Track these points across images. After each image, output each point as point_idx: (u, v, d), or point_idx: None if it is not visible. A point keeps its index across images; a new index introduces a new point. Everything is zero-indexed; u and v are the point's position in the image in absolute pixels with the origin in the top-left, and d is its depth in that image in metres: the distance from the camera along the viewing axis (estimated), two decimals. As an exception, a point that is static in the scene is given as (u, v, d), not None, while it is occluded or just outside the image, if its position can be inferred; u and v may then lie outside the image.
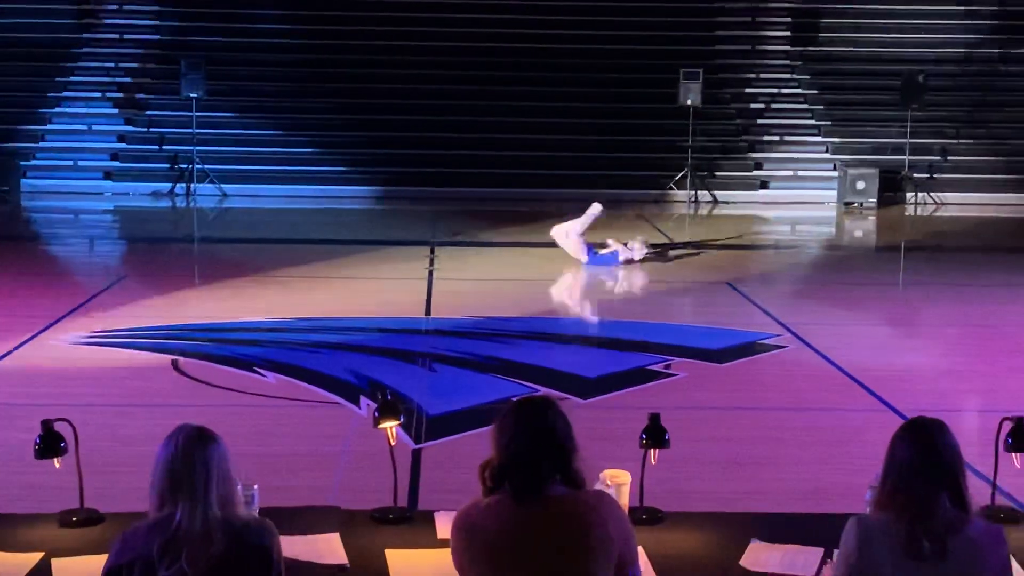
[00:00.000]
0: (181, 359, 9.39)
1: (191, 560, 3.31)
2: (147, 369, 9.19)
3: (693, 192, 21.42)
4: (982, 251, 16.99)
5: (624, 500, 4.28)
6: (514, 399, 3.59)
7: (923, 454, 3.46)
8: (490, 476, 3.46)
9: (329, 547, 4.11)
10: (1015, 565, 3.82)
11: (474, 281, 13.46)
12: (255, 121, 22.50)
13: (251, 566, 3.37)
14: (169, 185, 21.31)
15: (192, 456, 3.37)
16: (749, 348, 10.27)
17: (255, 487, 4.13)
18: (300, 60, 23.95)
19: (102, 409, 8.01)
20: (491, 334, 10.58)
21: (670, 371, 9.32)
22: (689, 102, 21.56)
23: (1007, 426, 4.50)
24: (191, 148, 21.16)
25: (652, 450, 4.54)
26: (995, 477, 4.60)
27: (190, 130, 21.17)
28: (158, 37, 24.35)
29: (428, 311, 11.61)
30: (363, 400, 8.26)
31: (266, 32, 24.34)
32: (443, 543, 3.53)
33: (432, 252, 15.31)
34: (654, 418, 4.56)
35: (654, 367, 9.49)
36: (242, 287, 12.72)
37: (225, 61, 23.29)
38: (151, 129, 22.36)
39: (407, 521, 4.42)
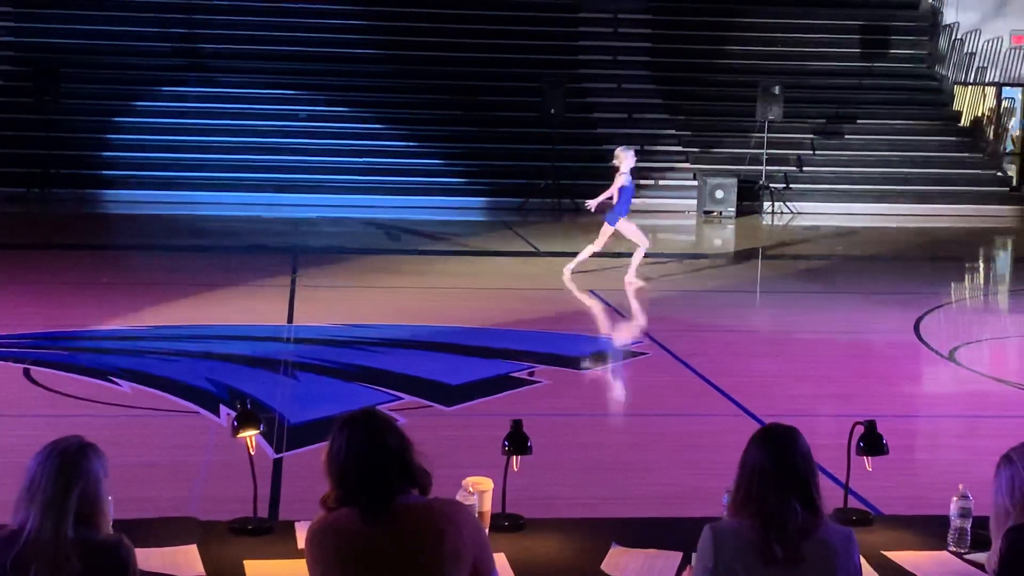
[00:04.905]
0: (33, 368, 9.14)
1: None
2: (-3, 378, 8.93)
3: (556, 200, 21.50)
4: (837, 260, 17.41)
5: (486, 507, 4.29)
6: (337, 419, 3.51)
7: (775, 460, 3.52)
8: (334, 501, 3.42)
9: (186, 559, 4.05)
10: (866, 566, 3.92)
11: (338, 289, 13.36)
12: (111, 124, 22.08)
13: None
14: (23, 189, 20.80)
15: (56, 469, 3.26)
16: (612, 355, 10.36)
17: (109, 499, 4.03)
18: (154, 64, 23.54)
19: (-50, 420, 7.77)
20: (354, 342, 10.51)
21: (534, 378, 9.36)
22: (552, 111, 21.71)
23: (859, 430, 4.61)
24: (45, 152, 20.64)
25: (514, 457, 4.55)
26: (847, 480, 4.71)
27: (45, 133, 20.65)
28: (11, 39, 23.75)
29: (290, 319, 11.49)
30: (222, 409, 8.13)
31: (118, 34, 23.83)
32: (303, 554, 3.49)
33: (295, 260, 15.15)
34: (516, 425, 4.57)
35: (518, 374, 9.52)
36: (96, 294, 12.44)
37: (79, 64, 22.76)
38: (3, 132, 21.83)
39: (266, 532, 4.37)
